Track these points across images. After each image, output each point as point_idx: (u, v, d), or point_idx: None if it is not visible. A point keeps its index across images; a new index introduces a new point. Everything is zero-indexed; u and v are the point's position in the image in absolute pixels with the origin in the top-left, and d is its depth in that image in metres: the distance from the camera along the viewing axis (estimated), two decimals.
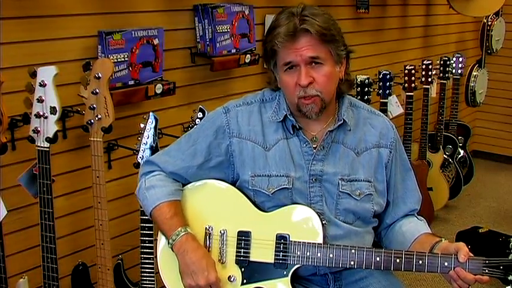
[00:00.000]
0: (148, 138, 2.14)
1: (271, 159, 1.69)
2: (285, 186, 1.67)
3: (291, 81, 1.62)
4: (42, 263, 2.03)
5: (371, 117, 1.78)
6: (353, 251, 1.61)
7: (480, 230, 3.48)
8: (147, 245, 2.14)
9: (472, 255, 1.57)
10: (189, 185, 1.76)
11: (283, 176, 1.68)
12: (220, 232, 1.68)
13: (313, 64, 1.60)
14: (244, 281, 1.66)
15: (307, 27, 1.57)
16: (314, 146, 1.70)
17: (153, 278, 2.18)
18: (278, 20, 1.62)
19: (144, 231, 2.14)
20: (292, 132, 1.70)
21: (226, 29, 2.71)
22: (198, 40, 2.71)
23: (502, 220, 4.25)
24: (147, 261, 2.16)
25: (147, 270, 2.18)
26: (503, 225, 4.03)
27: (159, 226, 1.71)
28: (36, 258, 2.08)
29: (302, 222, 1.65)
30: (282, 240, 1.64)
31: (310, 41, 1.58)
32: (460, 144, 4.46)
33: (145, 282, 2.19)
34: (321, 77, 1.61)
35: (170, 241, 1.65)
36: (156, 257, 1.76)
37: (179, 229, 1.64)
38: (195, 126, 2.03)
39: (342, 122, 1.70)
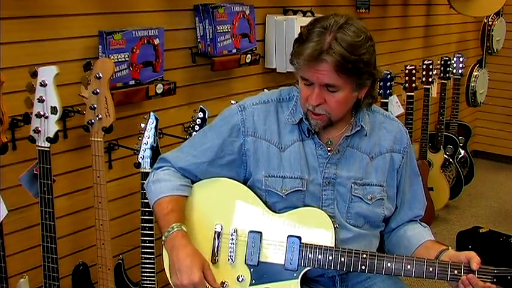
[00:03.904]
0: (149, 138, 2.14)
1: (285, 160, 1.68)
2: (298, 188, 1.67)
3: (305, 93, 1.62)
4: (42, 262, 2.03)
5: (386, 122, 1.78)
6: (364, 256, 1.60)
7: (481, 230, 3.48)
8: (147, 245, 2.14)
9: None
10: (200, 182, 1.74)
11: (297, 178, 1.67)
12: (231, 231, 1.67)
13: (328, 88, 1.57)
14: (253, 281, 1.65)
15: (326, 58, 1.51)
16: (329, 149, 1.69)
17: (153, 278, 2.18)
18: (311, 33, 1.55)
19: (145, 231, 2.14)
20: (307, 135, 1.70)
21: (227, 29, 2.71)
22: (198, 40, 2.71)
23: (502, 220, 4.25)
24: (147, 261, 2.16)
25: (147, 270, 2.18)
26: (503, 226, 4.03)
27: (157, 221, 1.71)
28: (37, 258, 2.08)
29: (314, 225, 1.64)
30: (293, 242, 1.63)
31: (330, 69, 1.53)
32: (461, 144, 4.46)
33: (145, 282, 2.19)
34: (333, 101, 1.59)
35: (163, 237, 1.63)
36: (157, 256, 1.76)
37: (172, 225, 1.62)
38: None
39: (359, 128, 1.70)
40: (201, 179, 1.75)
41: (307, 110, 1.64)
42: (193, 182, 1.75)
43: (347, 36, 1.53)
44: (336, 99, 1.59)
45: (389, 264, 1.60)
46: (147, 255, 2.16)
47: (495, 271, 1.56)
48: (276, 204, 1.69)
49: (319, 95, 1.58)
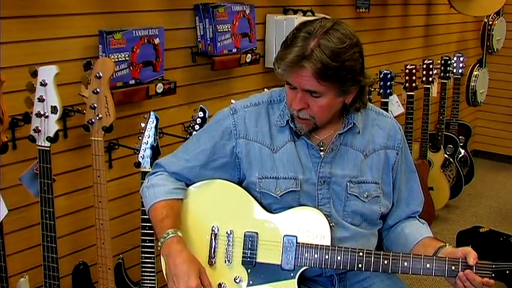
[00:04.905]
0: (149, 137, 2.14)
1: (278, 161, 1.68)
2: (293, 189, 1.66)
3: (290, 97, 1.62)
4: (43, 262, 2.04)
5: (379, 119, 1.77)
6: (361, 254, 1.60)
7: (481, 230, 3.48)
8: (147, 244, 2.14)
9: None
10: (196, 184, 1.74)
11: (291, 178, 1.67)
12: (227, 233, 1.67)
13: (311, 93, 1.56)
14: (251, 282, 1.65)
15: (306, 65, 1.50)
16: (321, 149, 1.69)
17: (153, 278, 2.18)
18: (295, 37, 1.54)
19: (145, 231, 2.14)
20: (297, 137, 1.69)
21: (227, 28, 2.71)
22: (198, 39, 2.71)
23: (502, 220, 4.25)
24: (147, 260, 2.16)
25: (147, 269, 2.18)
26: (504, 225, 4.03)
27: (153, 227, 1.71)
28: (37, 258, 2.08)
29: (310, 224, 1.64)
30: (289, 241, 1.63)
31: (310, 75, 1.52)
32: (461, 144, 4.46)
33: (146, 281, 2.19)
34: (316, 106, 1.59)
35: (159, 243, 1.63)
36: (157, 256, 1.76)
37: (167, 231, 1.62)
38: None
39: (352, 125, 1.69)
40: (195, 182, 1.75)
41: (292, 114, 1.64)
42: (188, 185, 1.75)
43: (330, 42, 1.51)
44: (318, 104, 1.58)
45: (385, 262, 1.59)
46: (147, 255, 2.16)
47: (493, 266, 1.55)
48: (271, 205, 1.69)
49: (302, 100, 1.58)
